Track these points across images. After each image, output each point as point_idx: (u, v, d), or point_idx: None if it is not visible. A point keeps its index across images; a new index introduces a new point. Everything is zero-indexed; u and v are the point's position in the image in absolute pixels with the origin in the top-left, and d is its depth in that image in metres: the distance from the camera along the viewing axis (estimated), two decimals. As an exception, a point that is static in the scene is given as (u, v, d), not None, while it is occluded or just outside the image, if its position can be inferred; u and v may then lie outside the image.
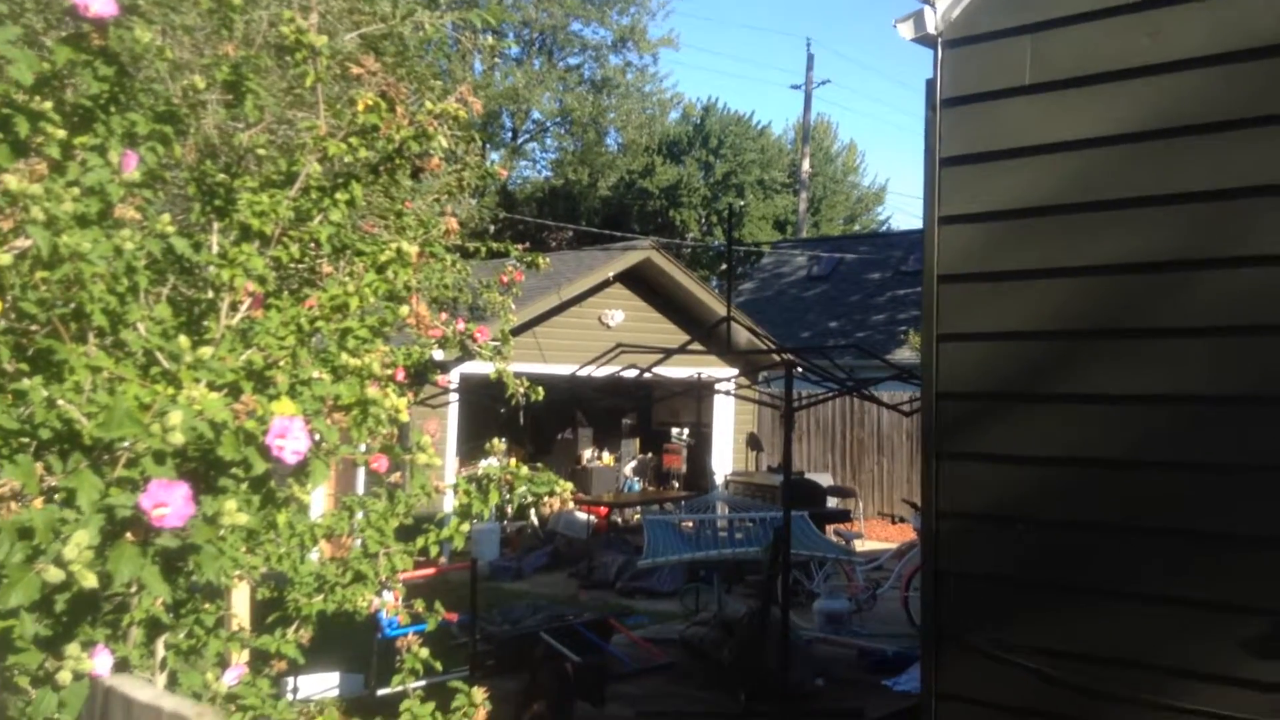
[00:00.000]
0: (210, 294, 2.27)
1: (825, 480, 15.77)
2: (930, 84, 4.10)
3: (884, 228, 39.85)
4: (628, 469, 18.00)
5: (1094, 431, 3.72)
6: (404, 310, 2.25)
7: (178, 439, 1.57)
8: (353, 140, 2.28)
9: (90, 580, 1.47)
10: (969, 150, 4.02)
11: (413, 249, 2.24)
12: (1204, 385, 3.49)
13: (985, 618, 3.95)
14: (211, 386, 1.91)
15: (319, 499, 11.42)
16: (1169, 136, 3.56)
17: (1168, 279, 3.59)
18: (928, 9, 4.01)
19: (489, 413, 12.17)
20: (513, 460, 2.52)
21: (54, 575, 1.47)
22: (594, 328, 15.13)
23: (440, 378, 4.16)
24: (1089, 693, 3.62)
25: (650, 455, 18.65)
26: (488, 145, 35.44)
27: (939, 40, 4.05)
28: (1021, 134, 3.88)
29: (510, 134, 37.64)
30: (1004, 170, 3.94)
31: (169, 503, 1.48)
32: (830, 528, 12.93)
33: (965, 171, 4.03)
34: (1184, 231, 3.55)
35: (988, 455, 3.97)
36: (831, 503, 14.48)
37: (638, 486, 17.55)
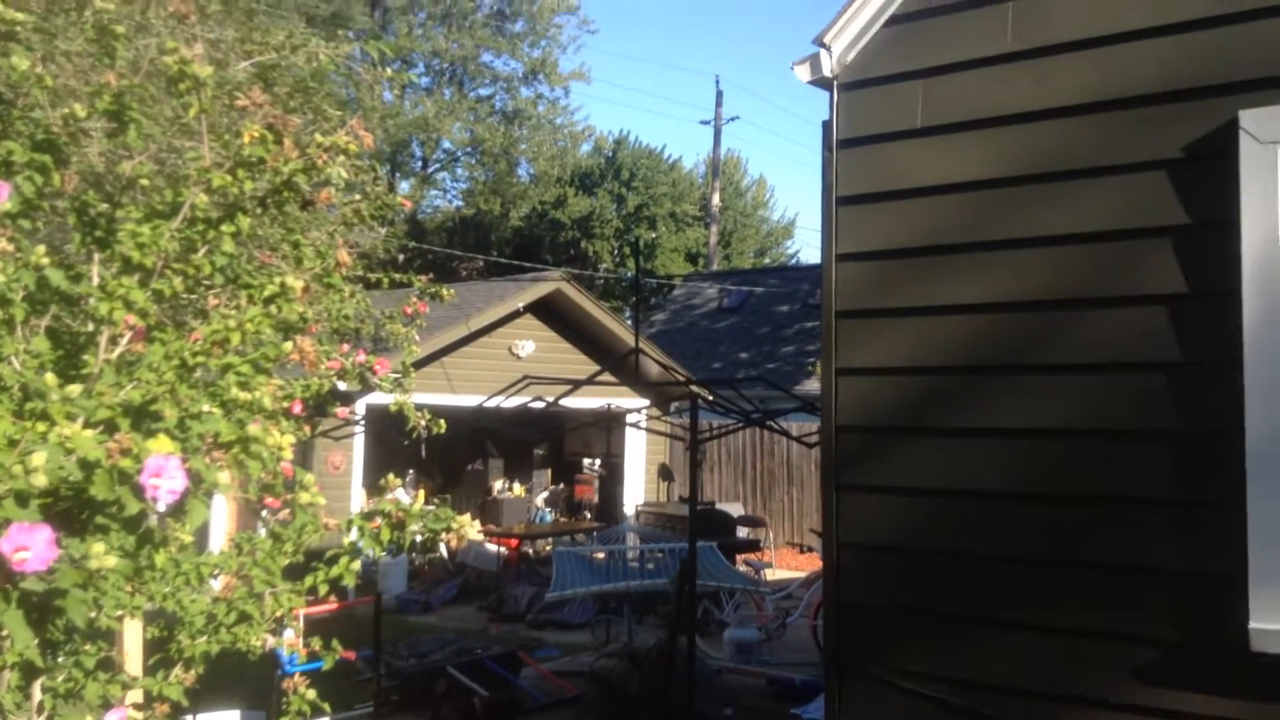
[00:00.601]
0: (91, 327, 2.21)
1: (736, 510, 15.89)
2: (826, 125, 4.20)
3: (793, 261, 40.51)
4: (539, 500, 17.88)
5: (978, 464, 3.82)
6: (288, 346, 2.21)
7: (41, 481, 1.52)
8: (239, 172, 2.24)
9: (-56, 628, 1.41)
10: (863, 190, 4.12)
11: (297, 284, 2.21)
12: (1080, 420, 3.61)
13: (884, 647, 4.01)
14: (88, 424, 1.85)
15: (218, 536, 11.11)
16: (1049, 180, 3.70)
17: (1046, 317, 3.72)
18: (823, 52, 4.11)
19: (397, 444, 12.00)
20: (420, 493, 2.49)
21: (-94, 623, 1.41)
22: (504, 358, 15.05)
23: (340, 410, 4.10)
24: None
25: (562, 486, 18.56)
26: (397, 174, 35.14)
27: (835, 83, 4.15)
28: (912, 175, 3.99)
29: (420, 163, 37.42)
30: (896, 209, 4.05)
31: (30, 546, 1.43)
32: (740, 557, 13.02)
33: (860, 210, 4.13)
34: (1061, 272, 3.68)
35: (883, 487, 4.05)
36: (742, 533, 14.58)
37: (549, 517, 17.43)
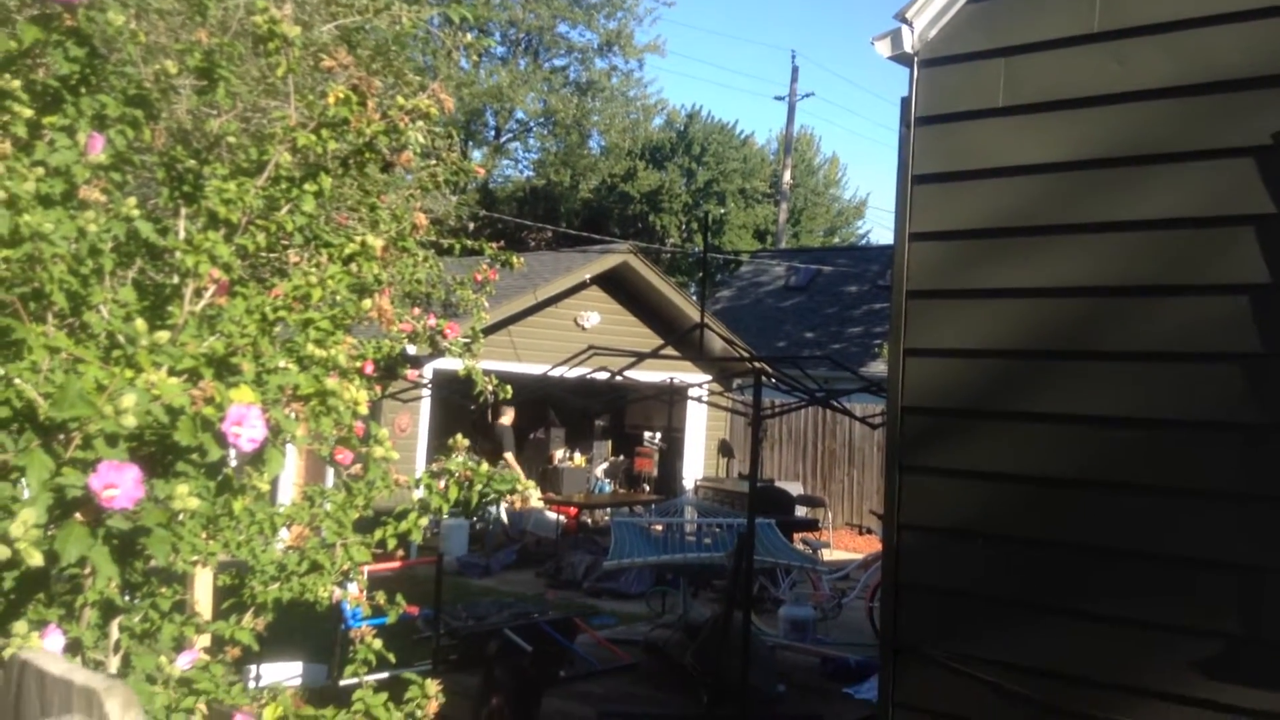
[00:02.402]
0: (176, 279, 2.27)
1: (795, 489, 15.83)
2: (905, 102, 4.15)
3: (863, 241, 40.10)
4: (599, 470, 17.99)
5: (1049, 450, 3.77)
6: (367, 304, 2.26)
7: (130, 422, 1.57)
8: (323, 132, 2.29)
9: (36, 558, 1.47)
10: (941, 169, 4.06)
11: (378, 242, 2.25)
12: (1159, 409, 3.54)
13: (943, 630, 3.99)
14: (172, 372, 1.91)
15: (287, 489, 11.38)
16: (1133, 164, 3.62)
17: (1121, 304, 3.64)
18: (905, 28, 4.05)
19: (462, 410, 12.15)
20: (484, 459, 2.53)
21: (0, 552, 1.48)
22: (569, 329, 15.14)
23: (410, 372, 4.17)
24: (1043, 707, 3.66)
25: (622, 458, 18.65)
26: (470, 143, 35.37)
27: (915, 59, 4.10)
28: (992, 154, 3.93)
29: (493, 132, 37.62)
30: (974, 189, 3.99)
31: (119, 484, 1.49)
32: (798, 536, 12.98)
33: (936, 189, 4.08)
34: (1140, 258, 3.61)
35: (948, 470, 4.01)
36: (801, 512, 14.53)
37: (608, 488, 17.54)
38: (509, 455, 15.08)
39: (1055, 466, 3.75)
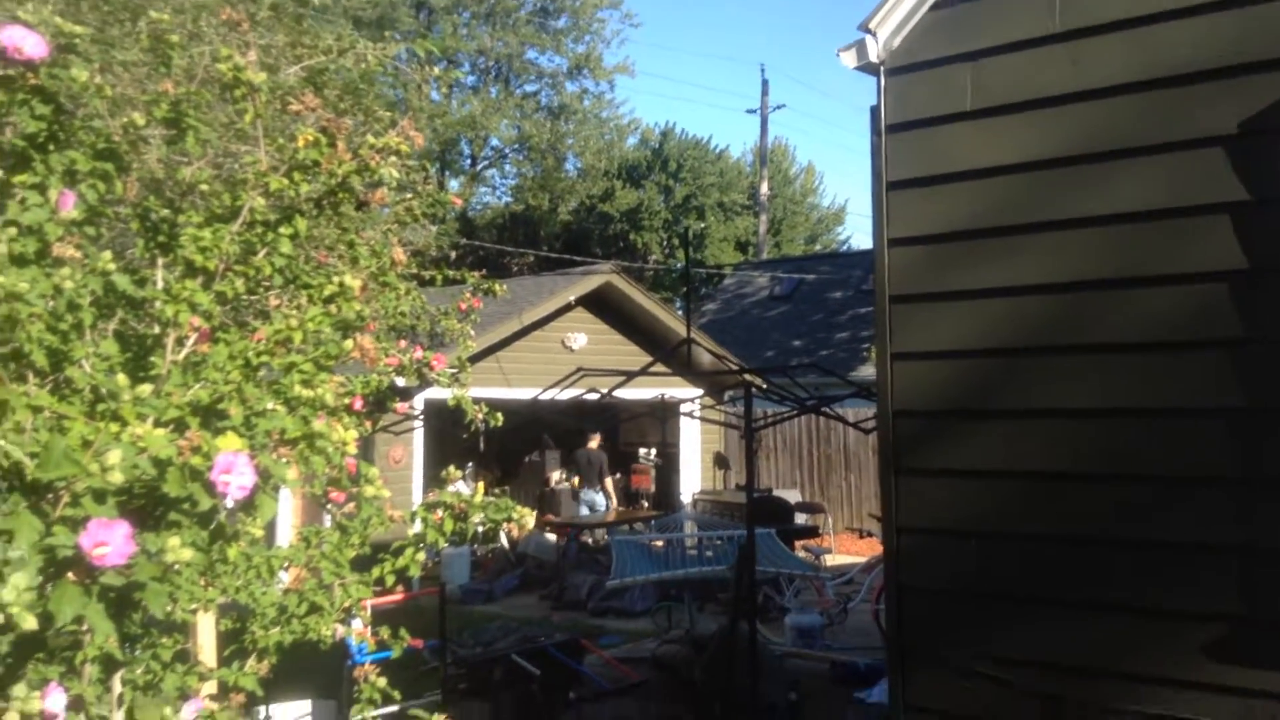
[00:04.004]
0: (157, 329, 2.27)
1: (793, 497, 15.82)
2: (874, 110, 4.18)
3: (844, 247, 40.19)
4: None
5: (1037, 445, 3.79)
6: (349, 344, 2.26)
7: (117, 478, 1.57)
8: (295, 175, 2.29)
9: (30, 622, 1.46)
10: (914, 174, 4.09)
11: (356, 282, 2.25)
12: (1139, 399, 3.56)
13: (948, 630, 3.99)
14: (158, 423, 1.90)
15: (285, 529, 11.32)
16: (1102, 159, 3.65)
17: (1100, 296, 3.67)
18: (869, 38, 4.08)
19: (456, 438, 12.13)
20: (480, 485, 2.53)
21: (-7, 619, 1.46)
22: (557, 351, 15.13)
23: (400, 405, 4.17)
24: (1053, 700, 3.66)
25: (619, 476, 18.62)
26: (446, 172, 35.43)
27: (881, 68, 4.13)
28: (962, 158, 3.96)
29: (469, 161, 37.71)
30: (946, 193, 4.01)
31: (109, 541, 1.48)
32: (799, 544, 12.97)
33: (911, 195, 4.10)
34: (1115, 250, 3.63)
35: (942, 471, 4.02)
36: (800, 519, 14.52)
37: (602, 505, 17.51)
38: (608, 481, 15.25)
39: (1044, 461, 3.76)
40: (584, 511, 15.34)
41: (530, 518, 2.59)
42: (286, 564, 2.48)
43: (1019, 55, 3.84)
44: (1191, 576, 3.43)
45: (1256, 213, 3.34)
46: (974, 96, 3.93)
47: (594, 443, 15.48)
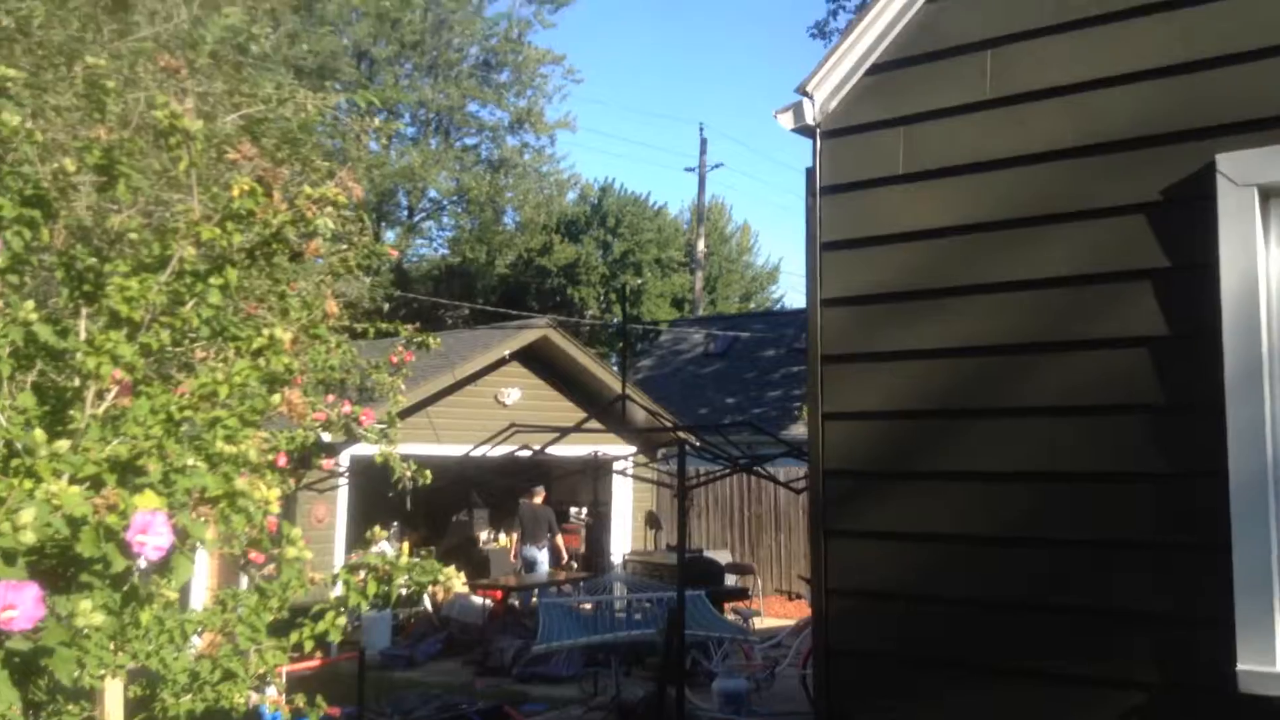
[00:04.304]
0: (78, 382, 2.20)
1: (724, 557, 15.80)
2: (810, 172, 4.25)
3: (778, 306, 40.73)
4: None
5: (964, 508, 3.82)
6: (276, 399, 2.21)
7: (29, 538, 1.50)
8: (228, 225, 2.25)
9: (-74, 690, 1.38)
10: (847, 235, 4.15)
11: (286, 335, 2.21)
12: (1065, 463, 3.62)
13: (875, 694, 3.98)
14: (74, 480, 1.83)
15: (200, 591, 10.97)
16: (1029, 224, 3.74)
17: (1028, 360, 3.73)
18: (806, 101, 4.16)
19: (381, 495, 11.91)
20: (405, 545, 2.47)
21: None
22: (490, 406, 15.02)
23: (326, 461, 4.08)
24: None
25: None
26: (383, 223, 35.24)
27: (817, 130, 4.21)
28: (894, 220, 4.03)
29: (407, 212, 37.58)
30: (879, 255, 4.08)
31: (18, 604, 1.42)
32: (729, 606, 12.92)
33: (844, 255, 4.16)
34: (1043, 315, 3.71)
35: (870, 532, 4.04)
36: (730, 580, 14.48)
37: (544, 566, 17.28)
38: (559, 539, 15.05)
39: (971, 524, 3.79)
40: (525, 570, 15.12)
41: (457, 580, 2.54)
42: (200, 628, 2.40)
43: (950, 120, 3.94)
44: (1114, 643, 3.46)
45: (1178, 279, 3.44)
46: (905, 160, 4.02)
47: (538, 498, 15.32)
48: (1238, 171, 3.34)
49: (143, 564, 1.77)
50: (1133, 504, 3.48)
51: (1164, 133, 3.50)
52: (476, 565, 15.60)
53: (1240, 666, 3.18)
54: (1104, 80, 3.62)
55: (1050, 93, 3.73)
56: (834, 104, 4.18)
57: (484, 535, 17.24)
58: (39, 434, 1.75)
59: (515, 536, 16.02)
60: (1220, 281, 3.33)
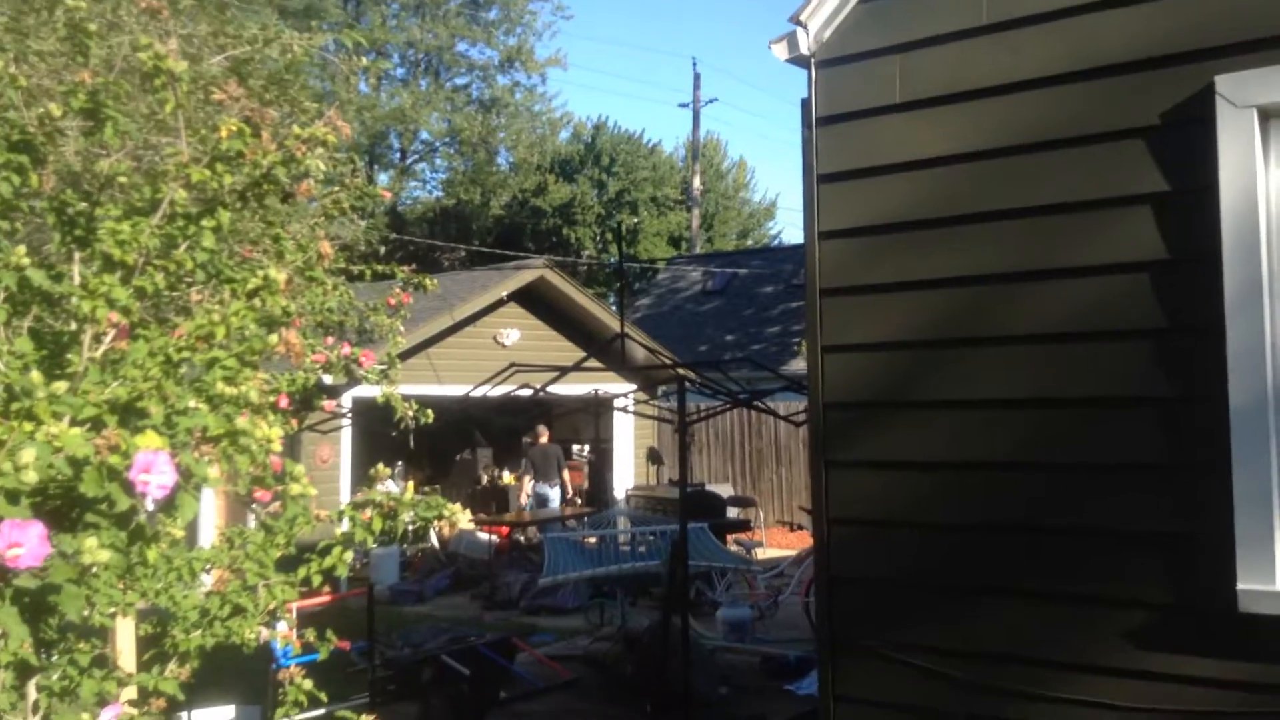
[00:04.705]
0: (74, 326, 2.20)
1: (726, 491, 15.93)
2: (805, 103, 4.20)
3: (775, 242, 40.56)
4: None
5: (964, 435, 3.84)
6: (274, 339, 2.21)
7: (31, 477, 1.52)
8: (218, 166, 2.24)
9: (-62, 628, 1.41)
10: (844, 167, 4.12)
11: (281, 275, 2.21)
12: (1065, 388, 3.63)
13: (877, 620, 4.04)
14: (75, 422, 1.85)
15: (208, 530, 11.09)
16: (1028, 151, 3.71)
17: (1029, 287, 3.72)
18: (800, 30, 4.11)
19: (385, 436, 11.99)
20: (409, 484, 2.50)
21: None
22: (490, 347, 15.05)
23: (327, 403, 4.10)
24: (980, 689, 3.72)
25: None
26: (375, 166, 34.96)
27: (812, 60, 4.15)
28: (892, 150, 4.00)
29: (399, 154, 37.26)
30: (876, 185, 4.06)
31: (23, 542, 1.44)
32: (731, 537, 13.07)
33: (841, 188, 4.14)
34: (1043, 241, 3.69)
35: (871, 462, 4.07)
36: (732, 513, 14.63)
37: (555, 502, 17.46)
38: (565, 474, 15.22)
39: (971, 450, 3.82)
40: (536, 506, 15.32)
41: (462, 516, 2.57)
42: (209, 566, 2.43)
43: (947, 47, 3.89)
44: (1115, 564, 3.50)
45: (1177, 203, 3.43)
46: (902, 88, 3.98)
47: (545, 437, 15.44)
48: (1237, 93, 3.31)
49: (149, 504, 1.79)
50: (1133, 427, 3.51)
51: (1161, 55, 3.45)
52: (498, 501, 15.80)
53: (1240, 586, 3.22)
54: (1100, 3, 3.57)
55: (1046, 17, 3.68)
56: (828, 33, 4.12)
57: (486, 475, 17.38)
58: (36, 376, 1.76)
59: (522, 476, 16.17)
60: (1220, 204, 3.32)
